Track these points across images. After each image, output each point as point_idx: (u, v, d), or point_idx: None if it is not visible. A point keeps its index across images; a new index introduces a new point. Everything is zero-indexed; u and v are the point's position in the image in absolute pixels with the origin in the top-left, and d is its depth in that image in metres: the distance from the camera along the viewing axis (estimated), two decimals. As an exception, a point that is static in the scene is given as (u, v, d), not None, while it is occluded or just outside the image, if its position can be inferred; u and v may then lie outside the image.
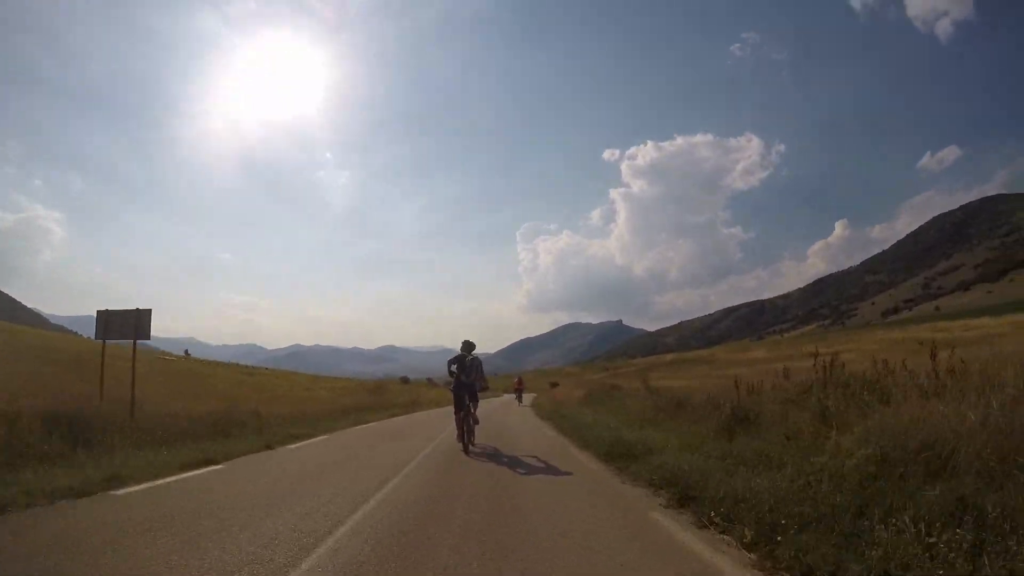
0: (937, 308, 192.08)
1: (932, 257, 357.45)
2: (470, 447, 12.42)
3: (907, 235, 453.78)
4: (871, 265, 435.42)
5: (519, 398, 45.07)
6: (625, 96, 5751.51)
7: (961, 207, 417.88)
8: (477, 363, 13.29)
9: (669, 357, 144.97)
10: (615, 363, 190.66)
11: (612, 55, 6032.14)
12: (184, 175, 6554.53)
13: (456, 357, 13.22)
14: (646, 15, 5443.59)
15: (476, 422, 13.21)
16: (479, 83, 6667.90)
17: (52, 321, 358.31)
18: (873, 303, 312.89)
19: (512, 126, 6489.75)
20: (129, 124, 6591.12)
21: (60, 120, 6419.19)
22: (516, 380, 54.76)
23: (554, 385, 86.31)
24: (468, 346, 13.33)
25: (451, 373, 13.11)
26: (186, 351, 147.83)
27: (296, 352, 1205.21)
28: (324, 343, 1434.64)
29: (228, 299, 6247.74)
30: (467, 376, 12.92)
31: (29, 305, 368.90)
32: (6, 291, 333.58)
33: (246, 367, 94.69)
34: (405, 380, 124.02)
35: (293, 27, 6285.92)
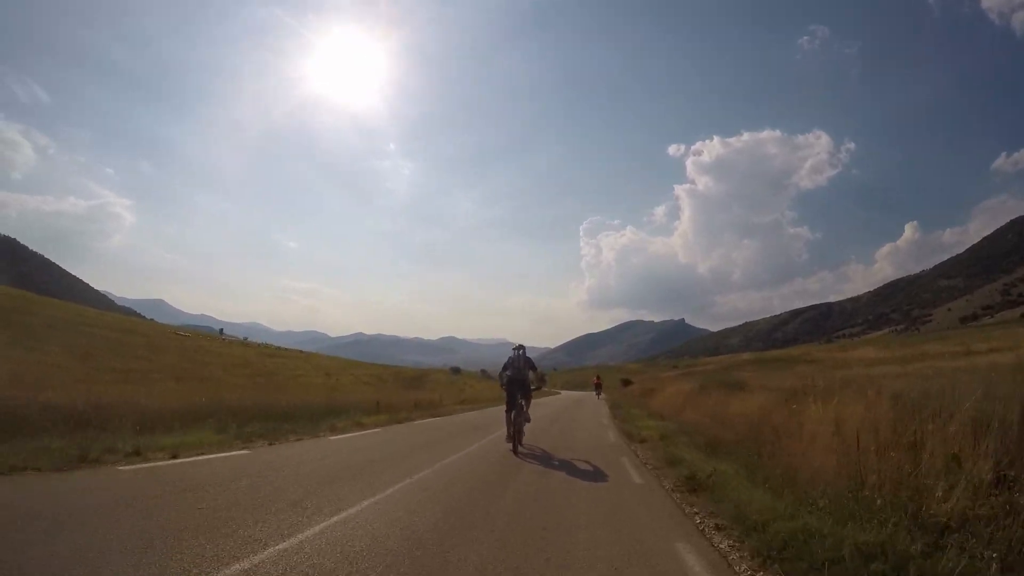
0: (1023, 316, 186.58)
1: (1010, 262, 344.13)
2: (519, 447, 12.20)
3: (983, 238, 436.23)
4: (944, 269, 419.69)
5: (598, 393, 57.41)
6: (691, 90, 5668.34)
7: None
8: (527, 358, 13.27)
9: (746, 356, 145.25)
10: (684, 361, 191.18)
11: (677, 47, 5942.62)
12: (251, 162, 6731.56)
13: (506, 362, 13.40)
14: (712, 7, 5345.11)
15: (528, 420, 13.16)
16: (543, 75, 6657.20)
17: (119, 304, 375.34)
18: (949, 309, 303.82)
19: (576, 119, 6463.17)
20: (198, 110, 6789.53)
21: (130, 107, 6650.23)
22: (595, 377, 67.87)
23: (627, 383, 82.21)
24: (519, 348, 13.50)
25: (502, 385, 13.22)
26: (221, 330, 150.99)
27: (358, 340, 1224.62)
28: (386, 332, 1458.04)
29: (293, 286, 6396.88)
30: (516, 372, 13.00)
31: (99, 288, 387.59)
32: (77, 275, 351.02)
33: (268, 347, 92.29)
34: (456, 371, 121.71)
35: (358, 18, 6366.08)
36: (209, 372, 35.41)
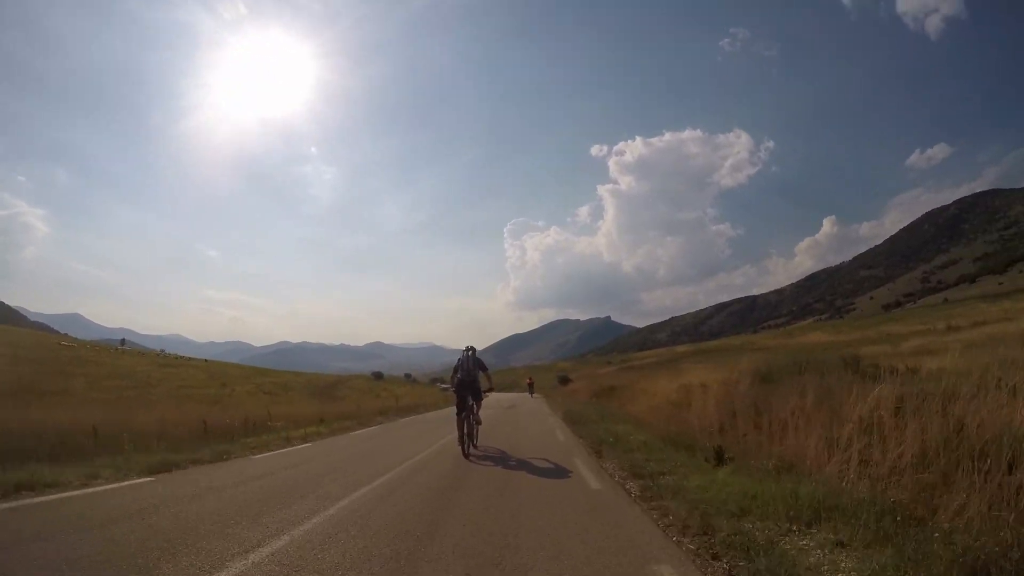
0: (946, 300, 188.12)
1: (927, 251, 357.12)
2: (471, 450, 12.25)
3: (900, 230, 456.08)
4: (864, 260, 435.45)
5: (531, 392, 58.84)
6: (613, 91, 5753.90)
7: (955, 202, 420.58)
8: (476, 359, 13.00)
9: (683, 348, 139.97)
10: (615, 357, 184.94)
11: (600, 49, 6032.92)
12: (169, 170, 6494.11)
13: (456, 364, 13.04)
14: (634, 9, 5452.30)
15: (479, 423, 13.17)
16: (466, 77, 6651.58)
17: (32, 319, 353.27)
18: (871, 297, 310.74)
19: (499, 121, 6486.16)
20: (114, 117, 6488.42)
21: (43, 113, 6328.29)
22: (528, 379, 68.58)
23: (566, 381, 75.82)
24: (469, 349, 13.22)
25: (453, 388, 12.96)
26: (122, 341, 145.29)
27: (282, 349, 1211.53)
28: (312, 340, 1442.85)
29: (215, 296, 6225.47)
30: (465, 373, 12.72)
31: (11, 303, 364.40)
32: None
33: (169, 357, 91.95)
34: (378, 376, 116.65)
35: (279, 20, 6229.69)
36: (65, 385, 32.23)
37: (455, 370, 12.95)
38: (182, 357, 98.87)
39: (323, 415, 24.75)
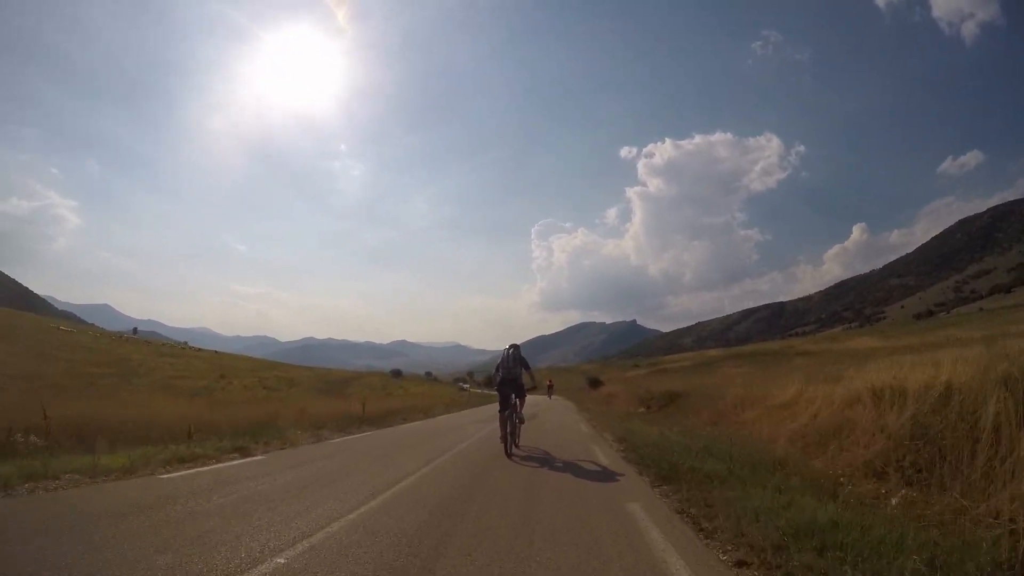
0: (981, 309, 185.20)
1: (960, 261, 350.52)
2: (513, 449, 11.98)
3: (932, 238, 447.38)
4: (895, 268, 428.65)
5: (549, 394, 55.67)
6: (644, 92, 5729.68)
7: (988, 210, 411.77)
8: (517, 355, 12.66)
9: (715, 352, 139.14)
10: (643, 360, 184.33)
11: (631, 49, 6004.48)
12: (200, 164, 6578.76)
13: (498, 363, 12.84)
14: (666, 10, 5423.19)
15: (522, 421, 13.22)
16: (496, 75, 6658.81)
17: (60, 308, 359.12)
18: (902, 306, 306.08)
19: (528, 120, 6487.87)
20: (146, 110, 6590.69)
21: (78, 105, 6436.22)
22: (548, 380, 63.09)
23: (596, 384, 70.42)
24: (511, 347, 12.87)
25: (495, 386, 12.83)
26: (134, 330, 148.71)
27: (308, 345, 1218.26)
28: (338, 337, 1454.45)
29: (242, 291, 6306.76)
30: (507, 371, 12.45)
31: (41, 293, 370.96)
32: (17, 279, 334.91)
33: (171, 346, 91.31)
34: (397, 373, 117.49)
35: (311, 17, 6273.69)
36: (39, 369, 31.76)
37: (496, 368, 12.83)
38: (191, 348, 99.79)
39: (233, 423, 15.29)
